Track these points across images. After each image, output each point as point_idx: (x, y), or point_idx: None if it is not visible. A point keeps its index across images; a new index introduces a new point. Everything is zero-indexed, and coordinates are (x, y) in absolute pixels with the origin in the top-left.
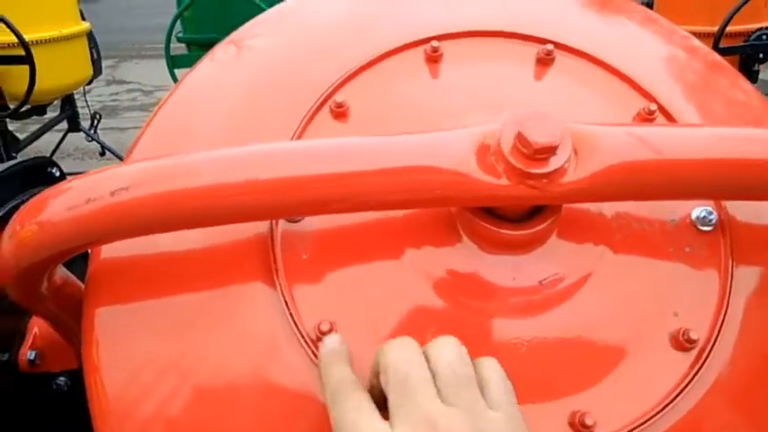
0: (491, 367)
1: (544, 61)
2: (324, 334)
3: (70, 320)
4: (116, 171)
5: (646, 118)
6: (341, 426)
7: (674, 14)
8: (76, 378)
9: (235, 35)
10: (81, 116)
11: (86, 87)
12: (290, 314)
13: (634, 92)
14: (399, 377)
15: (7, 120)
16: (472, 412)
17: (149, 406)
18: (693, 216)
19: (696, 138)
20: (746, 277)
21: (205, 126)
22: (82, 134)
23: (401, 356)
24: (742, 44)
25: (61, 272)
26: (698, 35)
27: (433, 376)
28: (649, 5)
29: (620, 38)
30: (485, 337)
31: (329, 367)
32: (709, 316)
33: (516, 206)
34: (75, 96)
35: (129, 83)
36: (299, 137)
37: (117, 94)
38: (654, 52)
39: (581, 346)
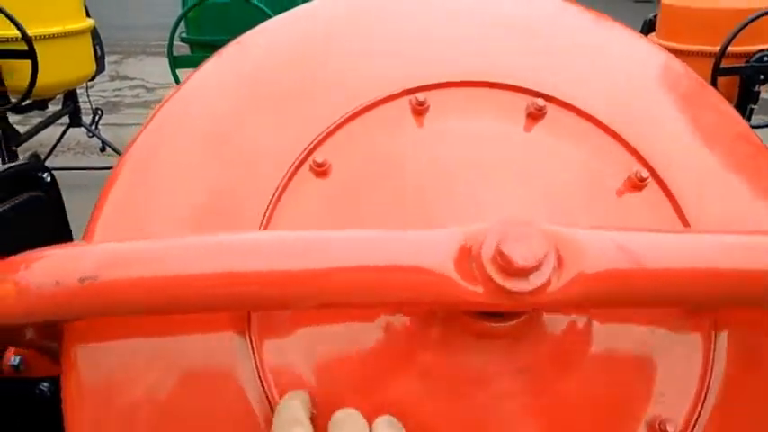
0: None
1: (534, 116)
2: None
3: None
4: (85, 252)
5: (636, 185)
6: None
7: (676, 34)
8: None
9: (233, 57)
10: (83, 111)
11: (89, 83)
12: (262, 383)
13: (627, 153)
14: None
15: (8, 113)
16: None
17: None
18: None
19: (679, 246)
20: (728, 367)
21: (180, 171)
22: (83, 129)
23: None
24: (743, 65)
25: None
26: (700, 55)
27: None
28: (652, 24)
29: (619, 92)
30: (463, 421)
31: (286, 402)
32: (686, 405)
33: None
34: (78, 91)
35: (132, 79)
36: (280, 196)
37: (120, 90)
38: (657, 109)
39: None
